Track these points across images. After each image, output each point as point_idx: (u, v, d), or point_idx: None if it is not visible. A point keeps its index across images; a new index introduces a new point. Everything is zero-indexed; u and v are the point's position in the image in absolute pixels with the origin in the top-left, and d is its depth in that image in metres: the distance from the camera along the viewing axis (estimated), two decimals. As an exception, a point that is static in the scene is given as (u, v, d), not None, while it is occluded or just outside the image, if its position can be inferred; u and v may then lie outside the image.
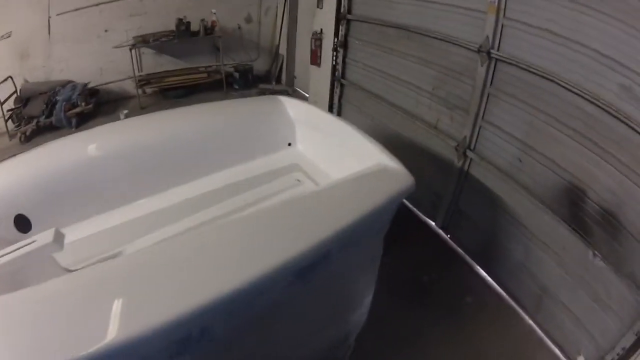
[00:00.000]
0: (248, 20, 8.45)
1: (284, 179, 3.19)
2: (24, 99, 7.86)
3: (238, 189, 3.12)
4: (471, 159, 3.82)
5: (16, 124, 7.63)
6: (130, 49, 7.62)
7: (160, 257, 1.93)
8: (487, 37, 3.33)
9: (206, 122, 3.46)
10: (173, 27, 7.75)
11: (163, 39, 7.79)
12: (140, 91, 8.18)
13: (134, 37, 7.73)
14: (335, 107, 6.30)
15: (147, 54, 8.24)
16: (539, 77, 3.03)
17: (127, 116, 7.30)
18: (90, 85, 8.00)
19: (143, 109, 7.85)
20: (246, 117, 3.54)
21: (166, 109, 6.85)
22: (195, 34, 7.92)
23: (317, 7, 6.33)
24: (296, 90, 8.42)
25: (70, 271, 2.50)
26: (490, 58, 3.37)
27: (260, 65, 8.83)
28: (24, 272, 2.39)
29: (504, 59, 3.28)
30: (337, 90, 6.12)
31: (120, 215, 3.02)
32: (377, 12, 4.81)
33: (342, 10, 5.41)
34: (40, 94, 7.75)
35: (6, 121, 7.60)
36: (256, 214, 2.28)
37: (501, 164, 3.54)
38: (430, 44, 4.08)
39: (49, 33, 7.91)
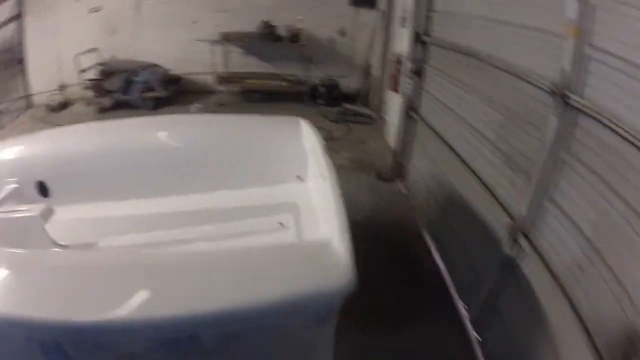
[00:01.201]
0: (342, 33, 7.74)
1: (269, 218, 2.90)
2: (106, 73, 8.12)
3: (224, 215, 3.03)
4: (523, 250, 2.59)
5: (94, 94, 8.07)
6: (212, 44, 7.44)
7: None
8: (564, 72, 2.12)
9: (219, 136, 3.37)
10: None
11: (245, 39, 7.48)
12: (222, 88, 7.93)
13: (219, 33, 7.47)
14: (404, 143, 5.25)
15: (235, 52, 7.94)
16: (633, 147, 1.79)
17: (198, 110, 7.09)
18: (172, 73, 7.96)
19: (221, 106, 7.55)
20: (259, 139, 3.34)
21: (242, 109, 6.49)
22: (280, 39, 7.42)
23: (401, 26, 5.35)
24: (382, 117, 7.38)
25: (58, 244, 2.87)
26: (566, 105, 2.15)
27: (350, 82, 8.02)
28: (15, 233, 2.83)
29: (585, 110, 2.04)
30: (407, 123, 5.06)
31: (112, 208, 3.23)
32: (451, 34, 3.75)
33: (418, 30, 4.37)
34: (124, 71, 7.91)
35: (85, 89, 8.15)
36: (152, 257, 2.18)
37: (556, 267, 2.28)
38: (498, 77, 2.92)
39: (139, 15, 8.02)
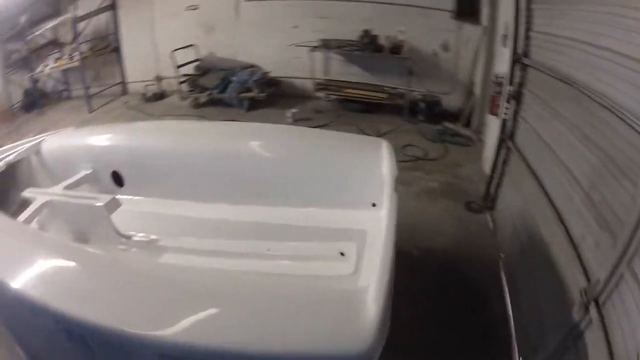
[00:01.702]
0: (445, 47, 7.38)
1: (331, 245, 2.81)
2: (203, 69, 8.57)
3: (286, 233, 3.02)
4: (591, 320, 2.19)
5: (190, 89, 8.56)
6: (312, 50, 7.48)
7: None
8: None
9: (298, 151, 3.31)
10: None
11: (346, 48, 7.37)
12: (321, 94, 7.98)
13: (319, 40, 7.50)
14: (497, 173, 4.83)
15: (335, 59, 7.91)
16: None
17: (294, 115, 7.23)
18: (271, 75, 8.13)
19: (318, 113, 7.61)
20: (339, 158, 3.23)
21: (338, 118, 7.08)
22: (380, 49, 7.25)
23: (503, 45, 4.93)
24: (482, 140, 6.90)
25: (121, 235, 3.18)
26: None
27: (452, 100, 7.60)
28: (83, 218, 3.26)
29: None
30: (502, 152, 4.64)
31: (179, 207, 3.42)
32: (550, 57, 3.37)
33: (517, 51, 4.00)
34: (221, 69, 8.28)
35: (180, 83, 8.64)
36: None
37: (617, 348, 1.93)
38: (595, 112, 2.51)
39: (237, 16, 8.33)
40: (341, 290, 2.21)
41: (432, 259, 4.19)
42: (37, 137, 4.98)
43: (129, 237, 3.34)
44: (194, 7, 8.72)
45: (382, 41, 7.26)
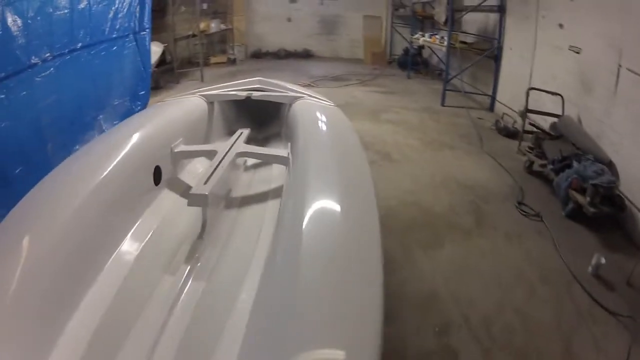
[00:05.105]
0: None
1: None
2: (556, 131, 6.79)
3: None
4: None
5: (530, 146, 6.94)
6: None
7: None
8: None
9: None
10: None
11: None
12: None
13: None
14: None
15: None
16: None
17: (598, 267, 4.59)
18: (619, 190, 5.43)
19: (629, 287, 4.52)
20: None
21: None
22: None
23: None
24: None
25: (202, 228, 3.09)
26: None
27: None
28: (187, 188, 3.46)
29: None
30: None
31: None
32: None
33: None
34: (572, 143, 6.27)
35: (524, 132, 7.28)
36: None
37: None
38: None
39: (616, 86, 5.80)
40: None
41: None
42: (307, 90, 5.30)
43: (200, 237, 3.08)
44: (576, 50, 6.83)
45: None
